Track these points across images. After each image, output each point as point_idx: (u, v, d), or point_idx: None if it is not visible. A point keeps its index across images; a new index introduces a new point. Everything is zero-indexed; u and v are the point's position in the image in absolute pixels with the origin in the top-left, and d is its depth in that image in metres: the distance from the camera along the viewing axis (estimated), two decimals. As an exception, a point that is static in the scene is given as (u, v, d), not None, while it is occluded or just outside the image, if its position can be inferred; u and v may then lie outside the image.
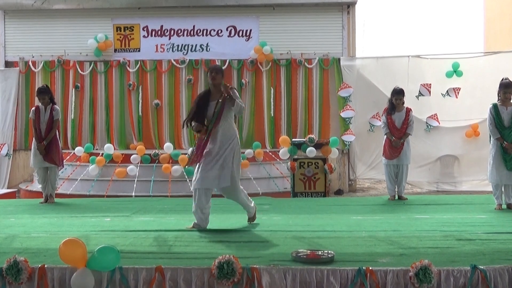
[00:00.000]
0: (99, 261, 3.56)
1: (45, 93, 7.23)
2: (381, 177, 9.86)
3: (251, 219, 5.47)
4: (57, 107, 7.40)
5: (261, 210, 6.38)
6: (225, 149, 5.06)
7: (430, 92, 10.35)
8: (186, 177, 9.15)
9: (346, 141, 10.41)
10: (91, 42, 10.70)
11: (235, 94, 5.05)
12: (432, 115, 10.30)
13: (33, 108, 7.34)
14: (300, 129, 10.80)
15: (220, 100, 5.02)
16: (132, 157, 9.48)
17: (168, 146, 9.64)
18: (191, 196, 8.54)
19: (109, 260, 3.57)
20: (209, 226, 5.23)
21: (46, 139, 7.15)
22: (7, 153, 10.72)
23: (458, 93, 10.35)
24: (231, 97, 4.98)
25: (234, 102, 4.97)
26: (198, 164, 5.13)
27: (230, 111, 5.06)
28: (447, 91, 10.40)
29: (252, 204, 5.44)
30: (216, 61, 10.84)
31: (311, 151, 8.62)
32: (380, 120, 10.07)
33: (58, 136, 7.42)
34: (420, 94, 10.35)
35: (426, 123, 10.30)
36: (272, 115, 10.87)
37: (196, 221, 5.19)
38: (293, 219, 5.78)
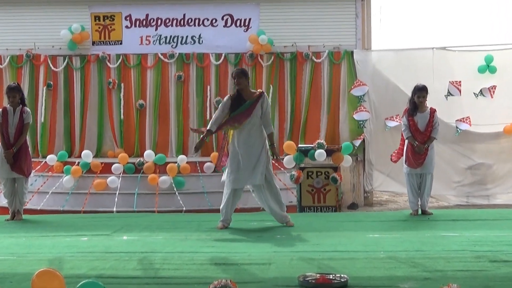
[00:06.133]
0: None
1: (16, 91, 7.26)
2: (402, 190, 9.83)
3: (287, 223, 6.42)
4: (28, 109, 7.42)
5: (262, 227, 6.38)
6: (258, 149, 6.26)
7: (460, 91, 10.26)
8: (175, 189, 9.15)
9: (355, 145, 10.23)
10: (64, 34, 10.70)
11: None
12: (462, 118, 10.22)
13: (0, 110, 7.34)
14: (307, 133, 10.77)
15: (255, 101, 6.24)
16: (113, 166, 9.47)
17: (149, 154, 9.62)
18: (181, 211, 8.66)
19: None
20: (201, 247, 5.25)
21: (15, 145, 7.15)
22: None
23: (493, 92, 10.27)
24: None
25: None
26: (230, 164, 6.30)
27: (258, 117, 6.28)
28: (480, 90, 10.32)
29: (284, 211, 6.48)
30: (210, 54, 10.85)
31: (320, 157, 8.61)
32: (397, 121, 10.07)
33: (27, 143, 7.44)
34: (449, 93, 10.28)
35: (456, 126, 10.23)
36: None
37: (221, 219, 6.35)
38: (300, 237, 5.77)
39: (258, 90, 6.46)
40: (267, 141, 6.47)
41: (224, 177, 6.59)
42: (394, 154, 7.87)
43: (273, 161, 9.86)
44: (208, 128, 6.44)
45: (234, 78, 6.34)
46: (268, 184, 6.41)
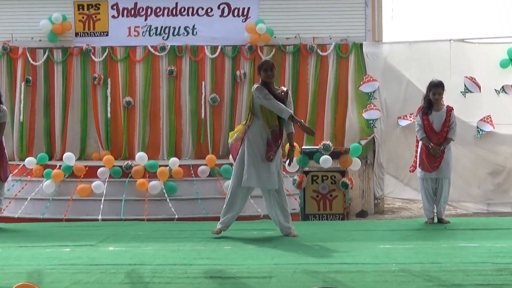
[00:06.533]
0: None
1: None
2: (416, 196, 9.83)
3: (291, 235, 6.47)
4: (4, 107, 7.44)
5: (262, 236, 6.37)
6: (280, 152, 6.50)
7: (479, 88, 10.28)
8: (167, 195, 9.15)
9: (360, 144, 10.13)
10: (44, 24, 10.70)
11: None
12: (484, 118, 10.22)
13: (-26, 108, 7.34)
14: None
15: (283, 99, 6.44)
16: (98, 170, 9.47)
17: (141, 156, 9.62)
18: (173, 219, 8.66)
19: None
20: (195, 259, 5.27)
21: (-11, 146, 7.17)
22: None
23: None
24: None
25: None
26: (248, 160, 6.33)
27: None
28: (502, 87, 10.32)
29: (289, 222, 6.55)
30: (205, 47, 10.85)
31: (326, 161, 8.62)
32: (410, 120, 10.06)
33: (4, 144, 7.44)
34: (468, 90, 10.29)
35: (477, 127, 10.22)
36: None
37: (222, 220, 6.46)
38: (304, 248, 5.77)
39: (282, 88, 6.64)
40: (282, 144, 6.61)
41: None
42: (412, 166, 7.83)
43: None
44: (289, 115, 6.29)
45: (265, 71, 6.39)
46: (277, 191, 6.48)
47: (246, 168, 6.34)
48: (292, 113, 6.33)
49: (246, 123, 6.54)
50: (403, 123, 10.25)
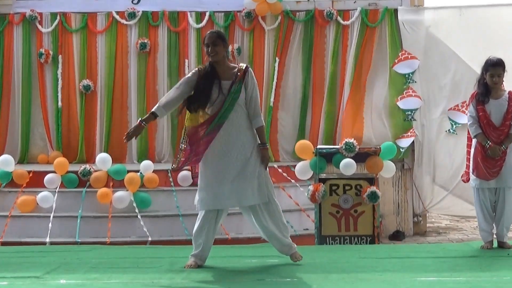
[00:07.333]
0: None
1: None
2: (469, 212, 9.82)
3: (294, 256, 6.36)
4: None
5: (264, 265, 6.35)
6: (250, 151, 6.16)
7: None
8: (137, 210, 9.13)
9: (401, 147, 10.22)
10: (-26, -16, 10.76)
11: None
12: None
13: None
14: (329, 128, 10.78)
15: (237, 80, 6.21)
16: (46, 177, 9.46)
17: (103, 159, 9.60)
18: (145, 242, 8.64)
19: None
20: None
21: None
22: None
23: None
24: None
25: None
26: (201, 175, 6.18)
27: (242, 105, 6.21)
28: None
29: (288, 238, 6.39)
30: (188, 14, 10.86)
31: (349, 166, 8.59)
32: (461, 111, 10.06)
33: None
34: None
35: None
36: (271, 104, 10.94)
37: (193, 253, 6.24)
38: (320, 281, 5.76)
39: (240, 65, 6.36)
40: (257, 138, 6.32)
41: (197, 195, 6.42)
42: (465, 172, 7.77)
43: (278, 168, 9.92)
44: (153, 109, 6.11)
45: (206, 46, 6.26)
46: (264, 203, 6.26)
47: (201, 184, 6.20)
48: (156, 116, 6.08)
49: None
50: (460, 118, 10.10)
